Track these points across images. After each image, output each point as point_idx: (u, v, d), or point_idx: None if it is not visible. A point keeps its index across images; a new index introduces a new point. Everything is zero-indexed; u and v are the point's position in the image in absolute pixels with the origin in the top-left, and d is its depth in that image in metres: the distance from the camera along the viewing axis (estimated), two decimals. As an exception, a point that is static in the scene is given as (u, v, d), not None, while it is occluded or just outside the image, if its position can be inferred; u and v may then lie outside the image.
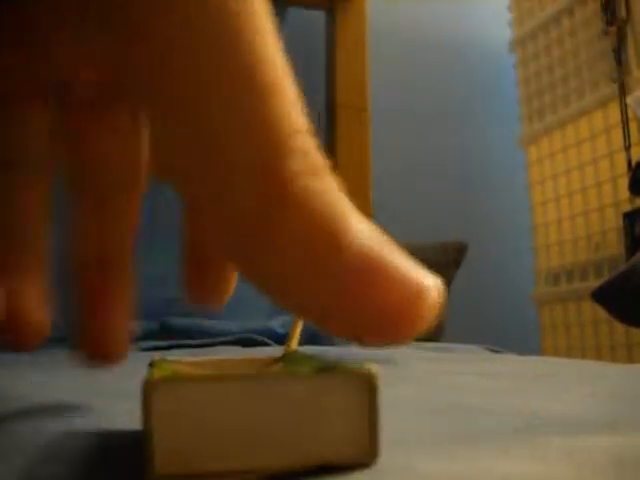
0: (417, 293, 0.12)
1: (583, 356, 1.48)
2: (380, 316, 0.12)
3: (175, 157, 0.13)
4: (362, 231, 0.13)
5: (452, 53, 1.76)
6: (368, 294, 0.12)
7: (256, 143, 0.12)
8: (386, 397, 0.19)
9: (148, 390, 0.15)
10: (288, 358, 0.23)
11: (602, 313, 1.20)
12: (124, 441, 0.19)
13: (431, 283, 0.13)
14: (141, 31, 0.12)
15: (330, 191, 0.13)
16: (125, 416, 0.21)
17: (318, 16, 1.57)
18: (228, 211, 0.12)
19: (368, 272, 0.12)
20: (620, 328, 1.38)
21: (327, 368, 0.16)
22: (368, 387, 0.16)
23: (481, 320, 1.62)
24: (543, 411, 0.27)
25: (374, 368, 0.16)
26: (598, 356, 1.46)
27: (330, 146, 1.46)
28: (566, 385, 0.40)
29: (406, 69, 1.72)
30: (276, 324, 0.97)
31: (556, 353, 1.56)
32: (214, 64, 0.12)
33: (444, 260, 1.33)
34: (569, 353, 1.53)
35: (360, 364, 0.16)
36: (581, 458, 0.19)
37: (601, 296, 1.10)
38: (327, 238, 0.12)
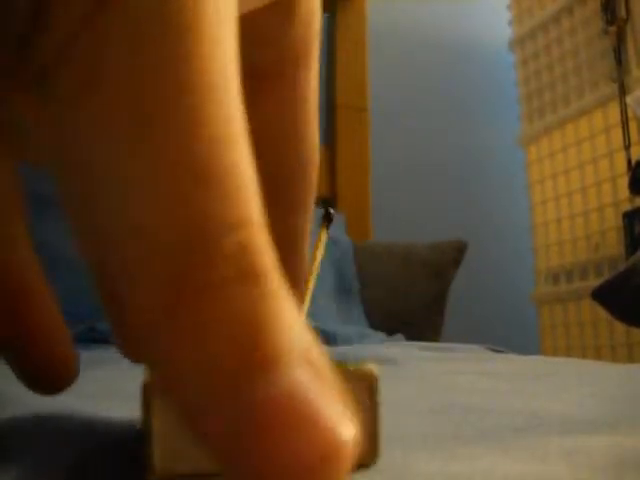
0: (330, 454, 0.10)
1: (583, 356, 1.48)
2: (282, 475, 0.10)
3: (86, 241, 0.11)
4: (290, 361, 0.10)
5: (452, 53, 1.76)
6: (273, 448, 0.10)
7: (174, 242, 0.10)
8: (386, 396, 0.19)
9: (148, 391, 0.15)
10: None
11: (602, 313, 1.20)
12: (124, 441, 0.19)
13: (349, 437, 0.10)
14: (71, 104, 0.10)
15: (264, 302, 0.10)
16: (125, 415, 0.21)
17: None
18: (130, 311, 0.10)
19: (280, 421, 0.10)
20: (620, 328, 1.38)
21: None
22: (369, 388, 0.16)
23: (481, 320, 1.62)
24: (543, 411, 0.27)
25: (375, 369, 0.16)
26: (598, 356, 1.46)
27: (330, 146, 1.46)
28: (566, 385, 0.40)
29: (406, 69, 1.72)
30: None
31: (556, 353, 1.56)
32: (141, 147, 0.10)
33: (443, 259, 1.33)
34: (569, 353, 1.53)
35: (361, 365, 0.16)
36: (580, 458, 0.19)
37: (601, 296, 1.10)
38: (240, 367, 0.10)
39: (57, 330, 0.20)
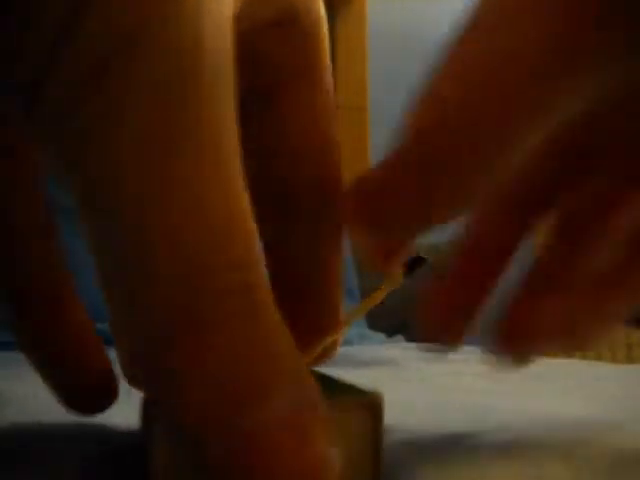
0: (314, 476, 0.11)
1: (583, 356, 1.48)
2: None
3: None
4: (283, 390, 0.11)
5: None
6: (266, 474, 0.10)
7: (180, 278, 0.11)
8: (387, 398, 0.19)
9: (148, 408, 0.14)
10: None
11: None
12: (124, 446, 0.19)
13: (332, 465, 0.11)
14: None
15: (265, 335, 0.11)
16: (125, 417, 0.21)
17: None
18: (137, 339, 0.11)
19: (273, 443, 0.10)
20: (620, 328, 1.38)
21: (332, 395, 0.15)
22: (372, 417, 0.15)
23: (480, 319, 1.61)
24: (543, 412, 0.27)
25: (380, 396, 0.16)
26: (598, 356, 1.46)
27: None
28: (566, 386, 0.40)
29: (406, 69, 1.72)
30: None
31: (556, 353, 1.56)
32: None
33: (443, 260, 1.33)
34: (569, 353, 1.53)
35: (365, 391, 0.16)
36: (580, 459, 0.19)
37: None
38: (225, 399, 0.11)
39: (93, 344, 0.19)
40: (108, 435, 0.20)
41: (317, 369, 0.19)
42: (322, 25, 0.18)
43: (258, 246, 0.11)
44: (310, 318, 0.19)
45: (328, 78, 0.19)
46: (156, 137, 0.11)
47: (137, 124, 0.11)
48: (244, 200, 0.11)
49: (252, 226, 0.11)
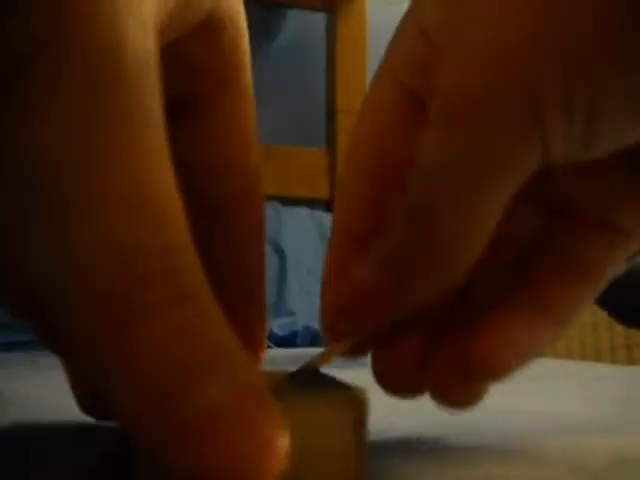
0: (258, 462, 0.11)
1: (583, 357, 1.48)
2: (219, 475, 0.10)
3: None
4: (222, 373, 0.11)
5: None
6: (208, 452, 0.10)
7: (102, 268, 0.10)
8: (384, 399, 0.19)
9: None
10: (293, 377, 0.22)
11: (602, 314, 1.20)
12: (124, 446, 0.19)
13: (279, 444, 0.11)
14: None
15: (195, 321, 0.11)
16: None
17: (318, 19, 1.57)
18: (66, 337, 0.11)
19: (212, 428, 0.10)
20: (620, 329, 1.38)
21: (316, 390, 0.15)
22: (356, 412, 0.15)
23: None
24: (543, 413, 0.27)
25: (364, 394, 0.15)
26: (598, 357, 1.46)
27: (330, 149, 1.46)
28: (566, 386, 0.40)
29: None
30: (275, 326, 0.97)
31: (555, 354, 1.56)
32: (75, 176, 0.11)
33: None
34: (569, 354, 1.53)
35: (351, 387, 0.15)
36: (580, 460, 0.19)
37: (601, 297, 1.09)
38: (167, 382, 0.10)
39: None
40: (108, 435, 0.20)
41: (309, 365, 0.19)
42: (244, 31, 0.19)
43: (186, 231, 0.11)
44: (237, 319, 0.20)
45: (249, 83, 0.19)
46: (80, 126, 0.11)
47: (62, 114, 0.11)
48: (171, 186, 0.11)
49: (179, 211, 0.11)
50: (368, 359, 0.20)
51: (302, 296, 1.16)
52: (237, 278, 0.20)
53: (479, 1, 0.16)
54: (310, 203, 1.41)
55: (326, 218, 1.37)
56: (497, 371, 0.19)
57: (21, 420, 0.23)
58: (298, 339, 0.98)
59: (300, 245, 1.23)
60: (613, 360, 1.40)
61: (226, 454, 0.10)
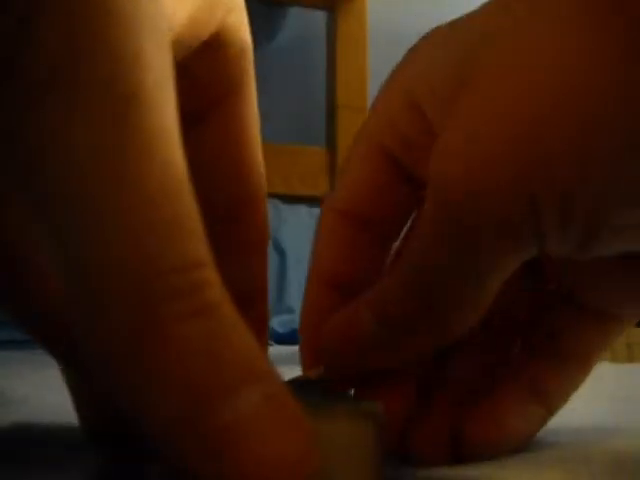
0: (286, 474, 0.11)
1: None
2: None
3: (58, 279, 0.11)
4: (247, 387, 0.11)
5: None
6: (234, 469, 0.10)
7: (126, 282, 0.11)
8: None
9: None
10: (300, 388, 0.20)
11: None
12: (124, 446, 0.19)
13: (303, 459, 0.11)
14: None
15: (219, 333, 0.11)
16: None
17: (319, 17, 1.57)
18: (96, 348, 0.11)
19: (236, 444, 0.10)
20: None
21: (331, 404, 0.15)
22: (373, 425, 0.14)
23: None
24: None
25: (378, 406, 0.15)
26: (598, 356, 1.46)
27: (330, 147, 1.46)
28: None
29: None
30: (276, 323, 0.97)
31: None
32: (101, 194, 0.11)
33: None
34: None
35: (366, 400, 0.15)
36: (579, 463, 0.19)
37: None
38: (191, 397, 0.11)
39: None
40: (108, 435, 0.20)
41: (321, 376, 0.19)
42: (249, 44, 0.19)
43: (207, 245, 0.12)
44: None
45: (253, 96, 0.20)
46: (102, 147, 0.11)
47: (83, 135, 0.11)
48: (192, 202, 0.12)
49: (199, 226, 0.12)
50: None
51: (302, 294, 1.17)
52: (238, 283, 0.20)
53: (480, 86, 0.16)
54: (310, 201, 1.42)
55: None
56: (487, 451, 0.19)
57: (21, 419, 0.23)
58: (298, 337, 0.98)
59: (300, 243, 1.23)
60: (613, 358, 1.40)
61: (262, 464, 0.10)
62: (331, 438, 0.14)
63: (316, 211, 1.39)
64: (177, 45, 0.15)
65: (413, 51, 0.20)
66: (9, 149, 0.11)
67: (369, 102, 1.35)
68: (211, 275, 0.11)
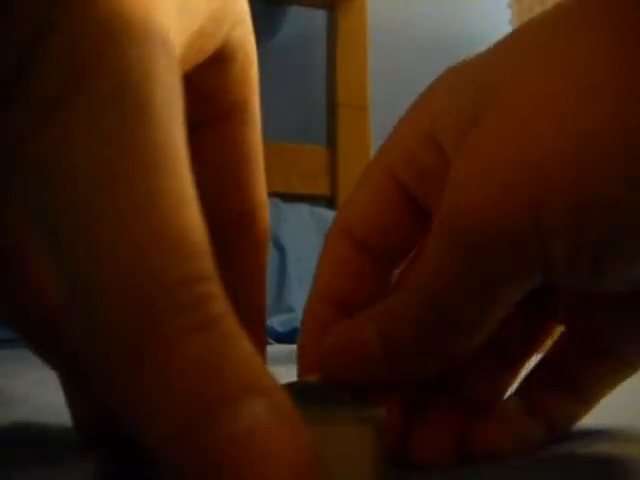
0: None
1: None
2: None
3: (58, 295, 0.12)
4: (250, 397, 0.11)
5: (452, 51, 1.75)
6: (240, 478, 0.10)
7: (128, 297, 0.11)
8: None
9: None
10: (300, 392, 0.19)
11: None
12: (124, 446, 0.19)
13: (310, 466, 0.11)
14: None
15: (221, 346, 0.11)
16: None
17: (319, 15, 1.57)
18: (97, 363, 0.11)
19: (242, 455, 0.10)
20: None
21: (331, 408, 0.15)
22: (373, 431, 0.14)
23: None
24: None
25: (380, 411, 0.15)
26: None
27: (331, 146, 1.46)
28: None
29: (406, 68, 1.72)
30: (275, 322, 0.97)
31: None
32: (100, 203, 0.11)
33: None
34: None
35: (367, 405, 0.15)
36: (580, 465, 0.19)
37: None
38: (192, 410, 0.11)
39: None
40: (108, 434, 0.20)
41: (320, 380, 0.19)
42: (254, 59, 0.19)
43: (211, 258, 0.12)
44: None
45: (257, 111, 0.20)
46: (109, 160, 0.11)
47: (90, 149, 0.11)
48: (198, 215, 0.12)
49: (204, 238, 0.12)
50: None
51: (302, 292, 1.16)
52: (236, 300, 0.21)
53: (499, 120, 0.17)
54: (311, 200, 1.42)
55: (327, 215, 1.37)
56: (494, 455, 0.20)
57: (21, 419, 0.23)
58: (299, 336, 0.98)
59: (300, 242, 1.23)
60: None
61: (264, 476, 0.10)
62: (331, 443, 0.14)
63: (316, 210, 1.39)
64: (184, 60, 0.15)
65: (430, 90, 0.21)
66: (11, 165, 0.11)
67: (369, 101, 1.35)
68: (215, 288, 0.11)
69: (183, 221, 0.11)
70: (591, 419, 0.24)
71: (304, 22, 1.59)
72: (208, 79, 0.18)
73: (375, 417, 0.15)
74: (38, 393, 0.27)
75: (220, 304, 0.11)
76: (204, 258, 0.11)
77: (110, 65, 0.11)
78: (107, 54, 0.11)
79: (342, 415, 0.14)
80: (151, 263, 0.11)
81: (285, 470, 0.10)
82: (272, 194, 1.31)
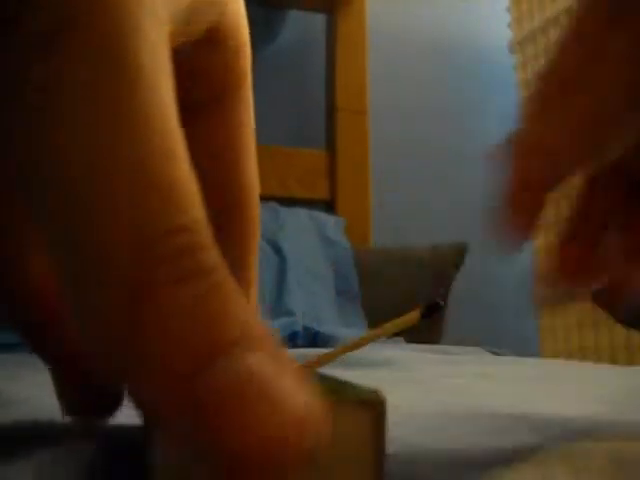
0: (289, 431, 0.10)
1: (583, 358, 1.48)
2: (239, 459, 0.10)
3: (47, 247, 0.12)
4: (243, 345, 0.11)
5: (451, 55, 1.76)
6: (234, 427, 0.10)
7: (112, 248, 0.11)
8: (387, 399, 0.19)
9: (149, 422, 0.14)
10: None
11: (602, 314, 1.20)
12: (124, 446, 0.19)
13: (306, 414, 0.11)
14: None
15: (212, 294, 0.11)
16: (126, 417, 0.21)
17: (318, 20, 1.58)
18: (85, 317, 0.11)
19: (238, 402, 0.10)
20: (620, 330, 1.38)
21: (332, 394, 0.15)
22: (374, 415, 0.14)
23: (481, 322, 1.62)
24: (543, 414, 0.27)
25: (380, 396, 0.15)
26: (598, 358, 1.46)
27: (330, 149, 1.46)
28: (566, 388, 0.40)
29: (406, 72, 1.72)
30: (275, 326, 0.97)
31: (555, 355, 1.56)
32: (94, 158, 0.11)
33: (444, 261, 1.33)
34: (569, 355, 1.53)
35: (367, 390, 0.15)
36: (580, 461, 0.19)
37: (601, 298, 1.09)
38: (185, 359, 0.10)
39: None
40: (109, 435, 0.20)
41: (317, 370, 0.19)
42: (247, 41, 0.19)
43: (202, 211, 0.12)
44: None
45: (250, 94, 0.20)
46: (97, 107, 0.11)
47: (78, 98, 0.11)
48: (186, 165, 0.12)
49: (194, 189, 0.12)
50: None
51: (301, 296, 1.17)
52: None
53: None
54: (309, 204, 1.42)
55: (325, 219, 1.37)
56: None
57: (21, 420, 0.23)
58: (298, 339, 0.98)
59: (299, 246, 1.23)
60: (613, 360, 1.40)
61: (257, 426, 0.10)
62: (333, 425, 0.13)
63: (315, 214, 1.39)
64: (175, 35, 0.15)
65: None
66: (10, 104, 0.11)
67: (368, 104, 1.35)
68: (205, 239, 0.11)
69: (175, 171, 0.11)
70: (591, 412, 0.24)
71: (303, 26, 1.59)
72: (200, 61, 0.18)
73: (377, 401, 0.15)
74: (38, 395, 0.27)
75: (211, 254, 0.11)
76: (194, 209, 0.11)
77: (105, 12, 0.11)
78: (96, 10, 0.11)
79: (343, 399, 0.14)
80: (144, 212, 0.11)
81: (276, 422, 0.10)
82: (270, 198, 1.32)
